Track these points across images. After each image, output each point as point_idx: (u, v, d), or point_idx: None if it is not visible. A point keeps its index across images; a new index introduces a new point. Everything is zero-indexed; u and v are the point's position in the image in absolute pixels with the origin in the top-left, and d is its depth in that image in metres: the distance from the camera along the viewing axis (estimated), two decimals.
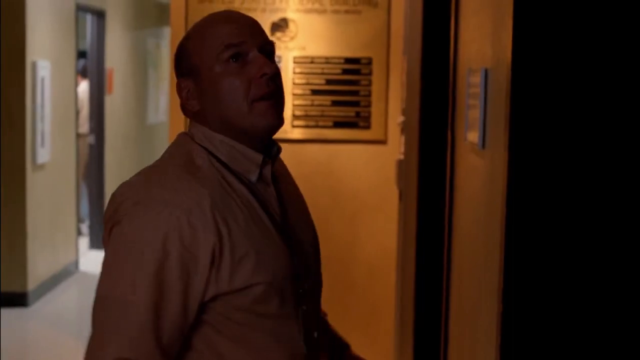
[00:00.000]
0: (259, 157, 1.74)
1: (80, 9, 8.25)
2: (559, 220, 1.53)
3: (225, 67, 1.70)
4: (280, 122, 1.74)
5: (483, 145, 1.93)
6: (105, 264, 1.65)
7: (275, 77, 1.72)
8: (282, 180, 1.87)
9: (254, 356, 1.70)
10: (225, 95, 1.70)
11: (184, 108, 1.78)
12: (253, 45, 1.72)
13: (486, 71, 1.90)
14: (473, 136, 2.05)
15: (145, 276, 1.59)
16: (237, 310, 1.67)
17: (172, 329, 1.62)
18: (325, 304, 5.56)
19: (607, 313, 1.53)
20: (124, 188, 1.69)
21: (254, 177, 1.74)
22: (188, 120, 1.82)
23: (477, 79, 1.98)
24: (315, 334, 1.85)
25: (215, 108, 1.72)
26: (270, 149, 1.79)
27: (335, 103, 4.97)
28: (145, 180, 1.70)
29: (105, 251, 1.67)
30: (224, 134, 1.73)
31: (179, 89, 1.77)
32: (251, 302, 1.67)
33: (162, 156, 1.78)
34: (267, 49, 1.74)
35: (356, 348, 4.96)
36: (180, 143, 1.76)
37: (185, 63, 1.75)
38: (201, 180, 1.67)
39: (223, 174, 1.70)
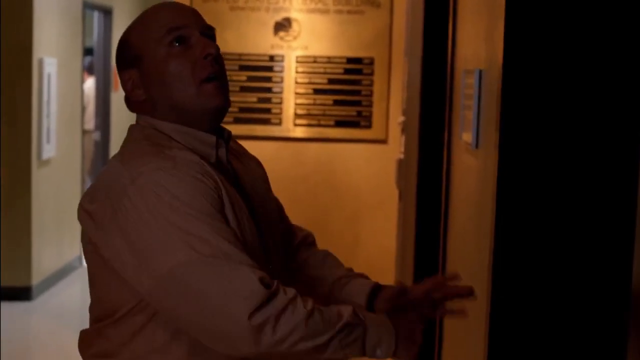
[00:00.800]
0: (212, 138, 1.74)
1: (87, 6, 8.29)
2: (545, 217, 1.57)
3: (169, 51, 1.69)
4: (227, 103, 1.75)
5: (477, 145, 1.97)
6: (147, 237, 1.56)
7: (218, 57, 1.73)
8: (240, 161, 1.86)
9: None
10: (172, 79, 1.69)
11: (129, 100, 1.77)
12: (195, 28, 1.71)
13: (480, 72, 1.94)
14: (467, 136, 2.09)
15: (202, 223, 1.56)
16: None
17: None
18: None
19: (589, 303, 1.58)
20: (107, 173, 1.67)
21: (212, 159, 1.73)
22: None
23: (472, 80, 2.02)
24: None
25: (162, 93, 1.71)
26: (221, 134, 1.78)
27: (337, 102, 5.01)
28: (128, 159, 1.66)
29: (125, 228, 1.58)
30: (173, 121, 1.72)
31: (123, 82, 1.75)
32: None
33: (122, 148, 1.75)
34: (208, 34, 1.74)
35: None
36: (135, 134, 1.75)
37: (127, 54, 1.74)
38: (180, 154, 1.66)
39: (191, 157, 1.68)
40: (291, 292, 1.58)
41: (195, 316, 1.55)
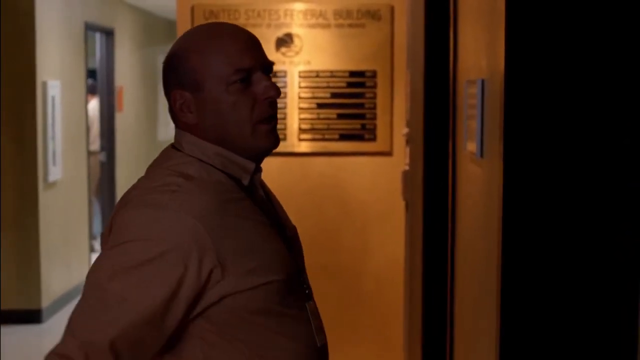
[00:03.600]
0: (251, 165, 1.77)
1: (89, 28, 8.33)
2: (552, 224, 1.58)
3: (232, 87, 1.72)
4: (277, 144, 1.80)
5: (481, 155, 1.98)
6: (118, 258, 1.64)
7: (276, 100, 1.77)
8: (263, 185, 1.90)
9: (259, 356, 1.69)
10: (230, 114, 1.72)
11: (176, 118, 1.78)
12: (258, 66, 1.74)
13: (483, 82, 1.95)
14: (472, 146, 2.09)
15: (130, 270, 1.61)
16: (242, 311, 1.67)
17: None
18: (336, 314, 5.60)
19: (598, 310, 1.58)
20: (119, 204, 1.72)
21: (245, 182, 1.77)
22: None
23: (474, 90, 2.03)
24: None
25: (216, 125, 1.73)
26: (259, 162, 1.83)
27: (340, 116, 5.02)
28: (142, 184, 1.72)
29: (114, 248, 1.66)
30: (220, 145, 1.75)
31: (172, 100, 1.76)
32: (264, 301, 1.68)
33: (152, 171, 1.77)
34: (269, 68, 1.78)
35: (366, 356, 4.98)
36: (169, 156, 1.77)
37: (183, 75, 1.74)
38: (199, 188, 1.68)
39: (219, 177, 1.72)
40: None
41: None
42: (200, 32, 1.79)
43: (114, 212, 1.73)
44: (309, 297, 1.81)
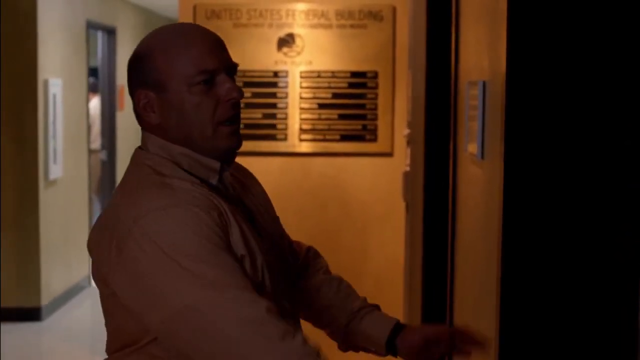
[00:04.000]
0: (216, 164, 1.77)
1: (91, 26, 8.33)
2: (552, 226, 1.58)
3: (194, 88, 1.72)
4: (239, 145, 1.80)
5: (482, 156, 1.98)
6: (153, 279, 1.59)
7: (239, 101, 1.78)
8: (240, 181, 1.90)
9: None
10: (192, 115, 1.73)
11: (140, 118, 1.78)
12: (222, 67, 1.75)
13: (484, 84, 1.95)
14: (473, 147, 2.09)
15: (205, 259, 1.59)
16: None
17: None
18: None
19: (599, 312, 1.58)
20: (112, 209, 1.70)
21: (214, 181, 1.77)
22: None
23: (476, 92, 2.03)
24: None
25: (179, 125, 1.74)
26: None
27: (342, 117, 5.02)
28: (130, 193, 1.70)
29: (130, 268, 1.62)
30: (183, 146, 1.75)
31: (137, 99, 1.76)
32: None
33: (126, 177, 1.77)
34: (233, 70, 1.78)
35: (366, 357, 4.97)
36: (139, 161, 1.77)
37: (149, 75, 1.74)
38: (181, 185, 1.69)
39: (190, 180, 1.73)
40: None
41: (211, 349, 1.56)
42: (166, 32, 1.79)
43: (103, 233, 1.69)
44: (282, 294, 1.79)
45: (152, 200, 1.64)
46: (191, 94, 1.72)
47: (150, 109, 1.75)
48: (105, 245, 1.66)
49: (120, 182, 1.79)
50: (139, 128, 1.82)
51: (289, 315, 1.79)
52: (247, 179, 1.94)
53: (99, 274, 1.70)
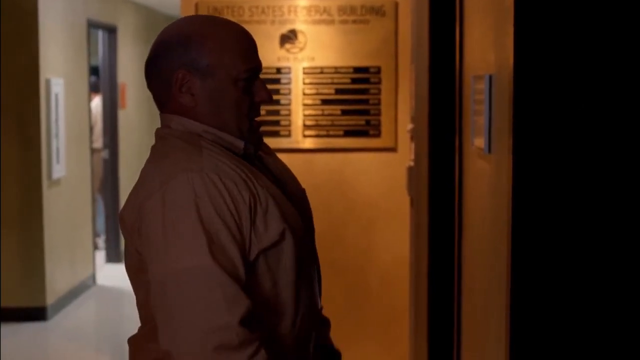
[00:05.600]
0: (240, 143, 1.82)
1: (92, 25, 8.32)
2: (562, 219, 1.57)
3: (239, 84, 1.79)
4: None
5: (489, 150, 1.97)
6: (156, 240, 1.68)
7: None
8: (269, 154, 1.97)
9: (280, 310, 1.77)
10: (231, 108, 1.79)
11: (168, 98, 1.81)
12: (259, 69, 1.85)
13: (490, 78, 1.94)
14: (479, 141, 2.09)
15: (200, 241, 1.64)
16: (270, 268, 1.74)
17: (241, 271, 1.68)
18: (342, 311, 5.59)
19: (605, 306, 1.57)
20: (141, 177, 1.77)
21: (239, 152, 1.82)
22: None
23: (482, 86, 2.02)
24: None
25: (213, 113, 1.79)
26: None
27: (345, 112, 5.01)
28: (159, 160, 1.76)
29: (147, 228, 1.70)
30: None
31: (175, 78, 1.78)
32: (281, 256, 1.75)
33: (154, 151, 1.82)
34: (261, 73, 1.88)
35: (372, 354, 4.97)
36: (164, 135, 1.81)
37: (196, 59, 1.77)
38: (210, 148, 1.75)
39: (218, 147, 1.78)
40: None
41: (185, 315, 1.63)
42: (215, 22, 1.84)
43: (140, 197, 1.74)
44: (316, 258, 1.92)
45: (178, 163, 1.70)
46: (235, 87, 1.78)
47: (187, 90, 1.78)
48: (129, 211, 1.74)
49: (149, 157, 1.83)
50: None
51: (314, 285, 1.87)
52: (269, 153, 2.01)
53: (130, 242, 1.77)
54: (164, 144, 1.80)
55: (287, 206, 1.80)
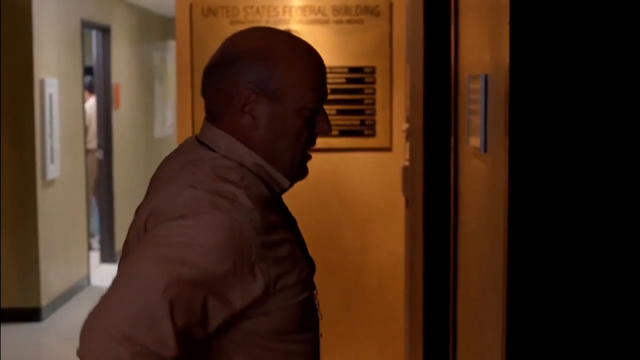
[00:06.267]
0: (286, 182, 1.70)
1: (86, 25, 8.31)
2: (557, 218, 1.58)
3: (304, 113, 1.66)
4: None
5: (485, 149, 1.98)
6: (154, 244, 1.53)
7: None
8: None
9: None
10: (290, 138, 1.65)
11: (223, 114, 1.65)
12: (325, 98, 1.70)
13: (486, 77, 1.94)
14: (475, 141, 2.09)
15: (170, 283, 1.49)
16: (266, 331, 1.60)
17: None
18: (337, 310, 5.59)
19: (602, 304, 1.57)
20: (157, 198, 1.60)
21: (278, 190, 1.70)
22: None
23: (477, 85, 2.02)
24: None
25: (270, 140, 1.65)
26: None
27: (340, 112, 5.01)
28: (180, 196, 1.57)
29: (152, 238, 1.55)
30: (259, 154, 1.66)
31: (240, 96, 1.64)
32: (285, 323, 1.62)
33: (180, 172, 1.64)
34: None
35: (367, 353, 4.98)
36: (199, 158, 1.65)
37: (268, 81, 1.63)
38: (251, 201, 1.57)
39: (262, 190, 1.63)
40: None
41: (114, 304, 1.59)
42: (291, 42, 1.69)
43: (153, 195, 1.63)
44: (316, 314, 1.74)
45: (199, 210, 1.54)
46: (299, 117, 1.64)
47: (249, 111, 1.64)
48: (154, 217, 1.59)
49: (168, 173, 1.67)
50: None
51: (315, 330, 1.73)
52: None
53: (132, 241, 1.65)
54: (198, 169, 1.62)
55: (303, 269, 1.65)
